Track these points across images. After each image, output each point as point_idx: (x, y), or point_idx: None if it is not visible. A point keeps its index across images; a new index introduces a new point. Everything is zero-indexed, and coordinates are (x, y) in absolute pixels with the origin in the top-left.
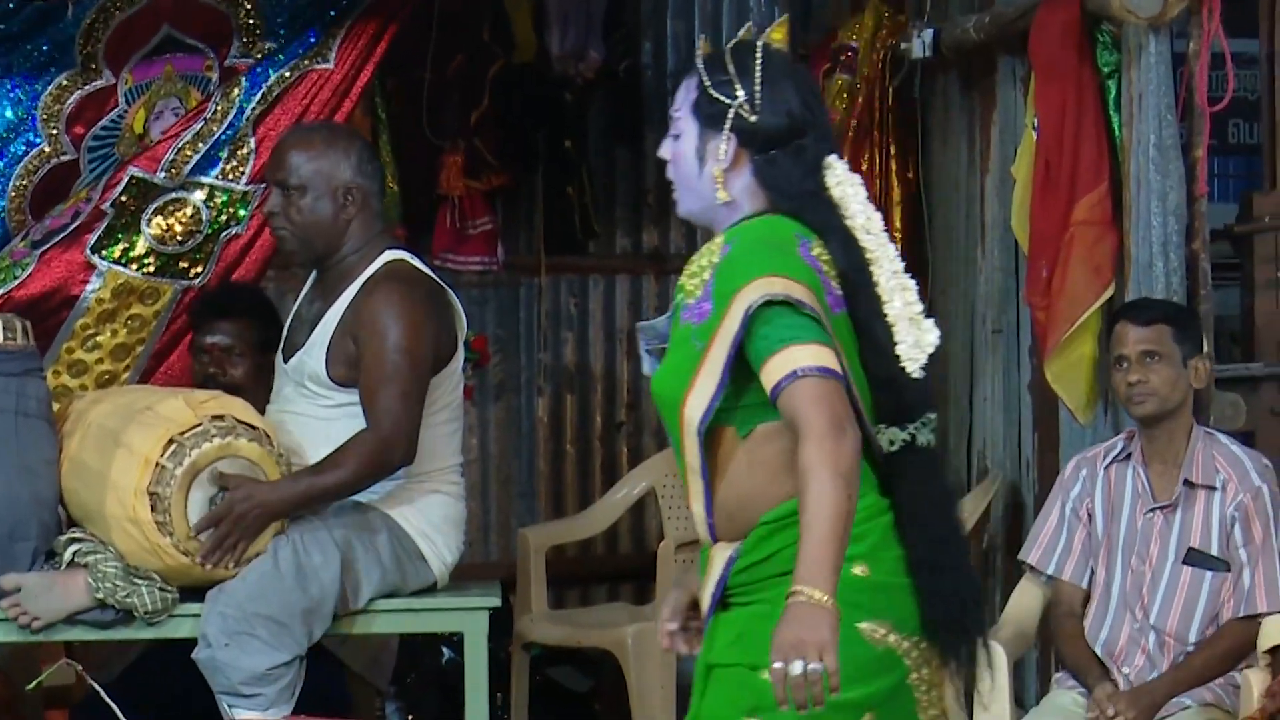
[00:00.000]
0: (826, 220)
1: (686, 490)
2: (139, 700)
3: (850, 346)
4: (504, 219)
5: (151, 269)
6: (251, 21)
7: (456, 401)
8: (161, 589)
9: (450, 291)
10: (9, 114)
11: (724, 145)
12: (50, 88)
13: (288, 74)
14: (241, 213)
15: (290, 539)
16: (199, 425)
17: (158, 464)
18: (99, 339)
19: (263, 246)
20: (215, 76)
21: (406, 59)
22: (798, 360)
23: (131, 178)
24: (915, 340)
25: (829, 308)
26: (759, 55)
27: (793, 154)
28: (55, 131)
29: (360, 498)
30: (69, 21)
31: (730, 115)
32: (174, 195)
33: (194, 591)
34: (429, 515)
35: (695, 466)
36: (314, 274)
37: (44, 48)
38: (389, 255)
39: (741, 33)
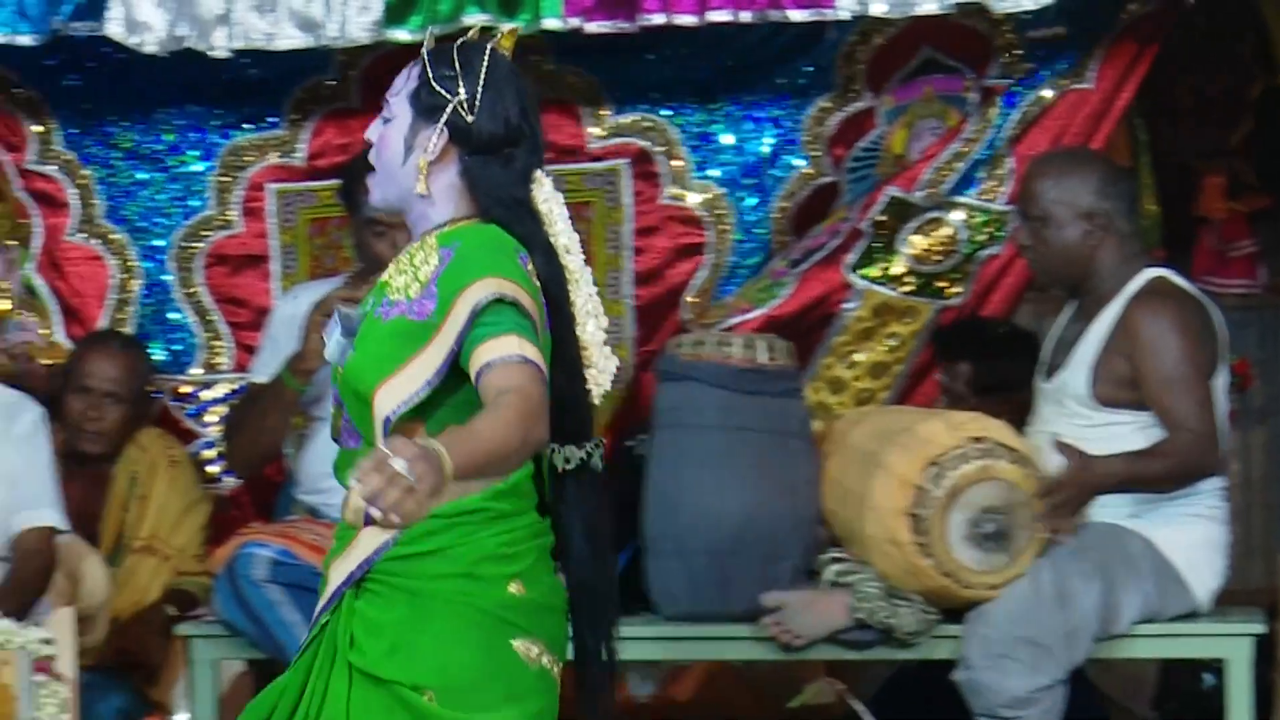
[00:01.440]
0: (534, 233)
1: (342, 474)
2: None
3: (547, 363)
4: (1265, 241)
5: (910, 288)
6: (1011, 41)
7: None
8: (923, 610)
9: (1215, 310)
10: (770, 137)
11: (434, 138)
12: (811, 110)
13: (1046, 94)
14: (1000, 233)
15: (1050, 561)
16: (958, 447)
17: (917, 486)
18: (857, 357)
19: (1019, 270)
20: (973, 97)
21: (1163, 78)
22: (524, 350)
23: (890, 198)
24: (603, 365)
25: (543, 324)
26: (485, 58)
27: (503, 161)
28: (818, 153)
29: (1120, 521)
30: (828, 45)
31: (447, 110)
32: (932, 215)
33: (952, 613)
34: (1190, 539)
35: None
36: (1073, 298)
37: (805, 71)
38: (1150, 273)
39: (471, 33)
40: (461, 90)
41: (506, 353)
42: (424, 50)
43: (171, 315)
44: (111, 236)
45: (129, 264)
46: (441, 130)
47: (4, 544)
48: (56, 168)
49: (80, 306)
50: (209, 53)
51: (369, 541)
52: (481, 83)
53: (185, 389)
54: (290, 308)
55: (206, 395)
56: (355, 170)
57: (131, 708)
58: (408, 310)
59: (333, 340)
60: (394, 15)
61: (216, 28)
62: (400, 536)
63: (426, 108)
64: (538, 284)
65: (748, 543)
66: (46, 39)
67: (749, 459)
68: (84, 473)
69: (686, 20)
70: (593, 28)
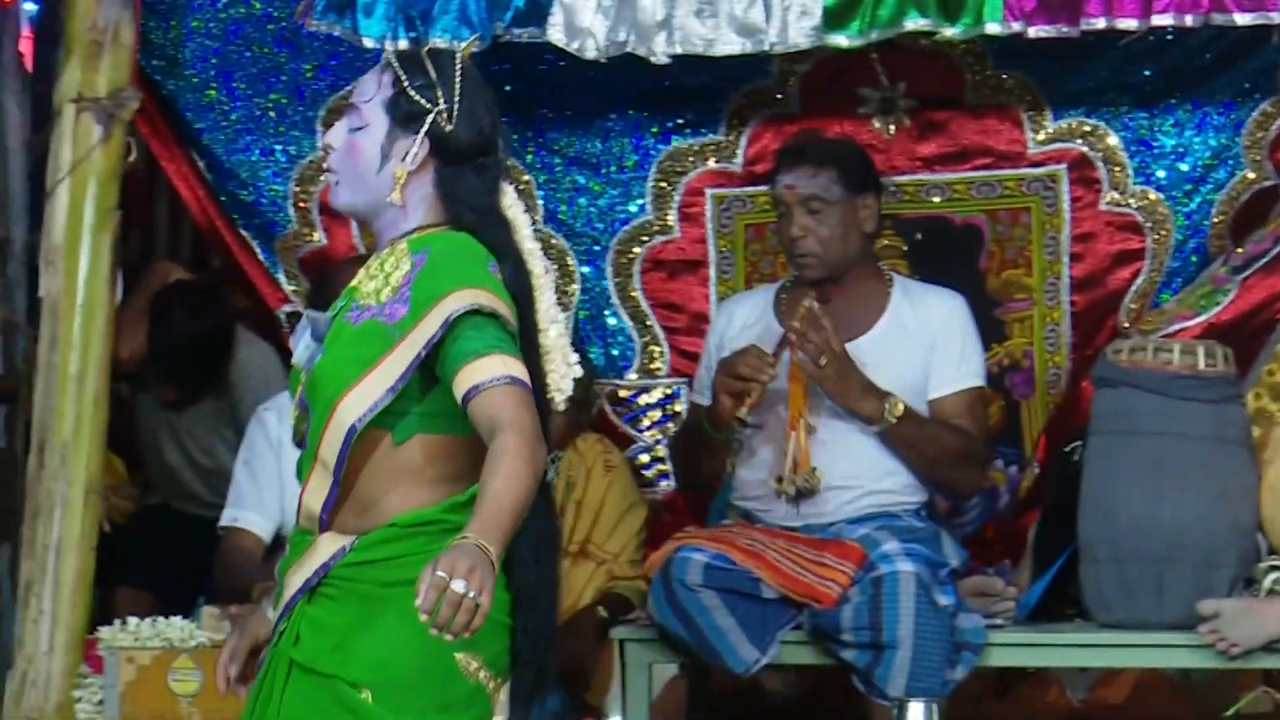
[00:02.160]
0: (505, 241)
1: (303, 479)
2: None
3: None
4: None
5: None
6: None
7: None
8: None
9: None
10: (1211, 142)
11: (415, 149)
12: (1254, 115)
13: None
14: None
15: None
16: None
17: None
18: None
19: None
20: None
21: None
22: (509, 368)
23: None
24: (564, 373)
25: (516, 331)
26: (458, 66)
27: (476, 170)
28: (1259, 158)
29: None
30: (1272, 48)
31: (429, 120)
32: None
33: None
34: None
35: (330, 460)
36: None
37: (1247, 74)
38: None
39: (436, 41)
40: (440, 99)
41: (493, 375)
42: (391, 58)
43: (609, 320)
44: (551, 242)
45: (568, 269)
46: (424, 141)
47: None
48: None
49: None
50: (649, 58)
51: (325, 549)
52: (458, 91)
53: (623, 393)
54: (721, 322)
55: (643, 400)
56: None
57: (565, 711)
58: (378, 314)
59: (300, 344)
60: (833, 20)
61: (657, 33)
62: (356, 543)
63: (405, 116)
64: (509, 292)
65: (1184, 550)
66: (488, 45)
67: (1186, 466)
68: None
69: (1129, 24)
70: (1034, 32)
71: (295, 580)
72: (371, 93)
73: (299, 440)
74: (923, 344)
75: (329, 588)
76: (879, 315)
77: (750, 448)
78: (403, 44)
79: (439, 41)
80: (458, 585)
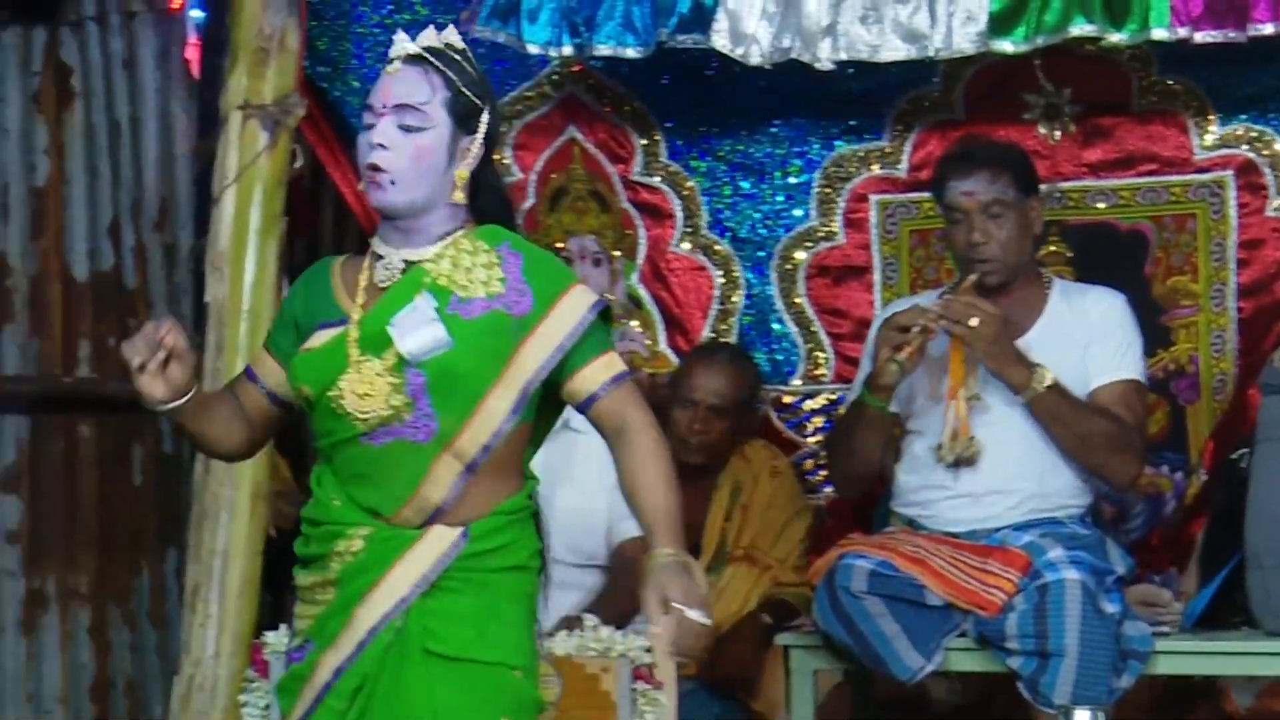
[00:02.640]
0: (518, 230)
1: (410, 473)
2: None
3: None
4: None
5: None
6: None
7: None
8: None
9: None
10: None
11: (474, 149)
12: None
13: None
14: None
15: None
16: None
17: None
18: None
19: None
20: None
21: None
22: (618, 365)
23: None
24: None
25: None
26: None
27: (492, 164)
28: None
29: None
30: None
31: (485, 120)
32: None
33: None
34: None
35: (470, 453)
36: None
37: None
38: None
39: (447, 33)
40: (488, 99)
41: (615, 373)
42: (429, 56)
43: (773, 326)
44: (715, 247)
45: (732, 275)
46: (481, 141)
47: (606, 554)
48: (661, 179)
49: (684, 317)
50: (813, 64)
51: (439, 542)
52: (491, 90)
53: (787, 399)
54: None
55: (808, 406)
56: (943, 162)
57: (731, 717)
58: (501, 306)
59: (425, 333)
60: (999, 26)
61: (821, 39)
62: (470, 534)
63: (464, 116)
64: None
65: None
66: (652, 51)
67: None
68: (688, 482)
69: None
70: (1201, 37)
71: (404, 576)
72: (428, 93)
73: (367, 429)
74: (1080, 342)
75: (449, 580)
76: (1037, 316)
77: (911, 451)
78: (567, 50)
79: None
80: (695, 615)
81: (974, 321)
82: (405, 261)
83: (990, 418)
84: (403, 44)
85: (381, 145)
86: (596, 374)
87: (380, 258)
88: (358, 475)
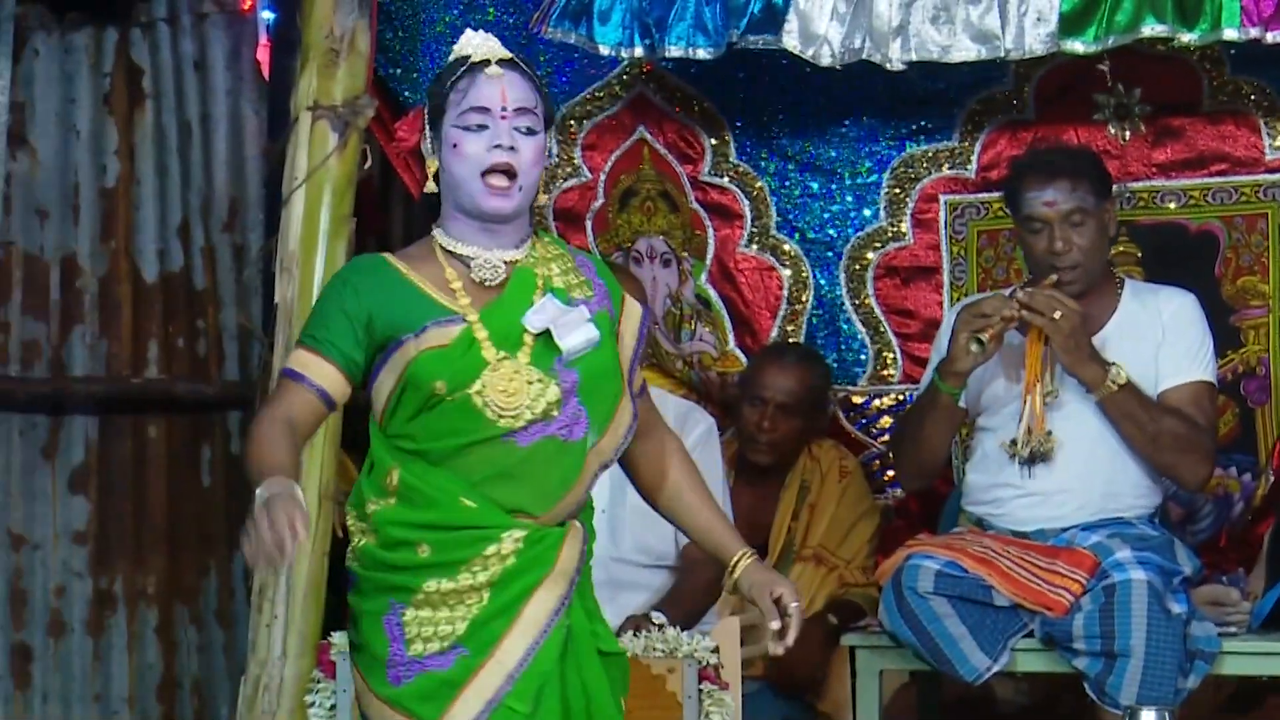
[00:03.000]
0: None
1: (564, 471)
2: None
3: None
4: None
5: None
6: None
7: None
8: None
9: None
10: None
11: (553, 148)
12: None
13: None
14: None
15: None
16: None
17: None
18: None
19: None
20: None
21: None
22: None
23: None
24: None
25: None
26: None
27: None
28: None
29: None
30: None
31: (555, 120)
32: None
33: None
34: None
35: (610, 452)
36: None
37: None
38: None
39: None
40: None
41: (642, 378)
42: (519, 60)
43: (842, 326)
44: (784, 248)
45: (801, 275)
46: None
47: (675, 554)
48: (730, 179)
49: (752, 317)
50: (884, 65)
51: (576, 542)
52: None
53: (856, 399)
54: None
55: (876, 406)
56: (1018, 171)
57: (796, 717)
58: (603, 308)
59: (582, 331)
60: (1070, 26)
61: (892, 40)
62: (586, 530)
63: (547, 120)
64: None
65: None
66: (723, 52)
67: None
68: (756, 481)
69: None
70: (1272, 38)
71: (563, 574)
72: (535, 97)
73: (511, 427)
74: (1152, 341)
75: (582, 575)
76: (1110, 315)
77: (981, 449)
78: (638, 51)
79: (674, 49)
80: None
81: (1057, 314)
82: (504, 262)
83: (1062, 414)
84: (489, 46)
85: (512, 148)
86: (638, 377)
87: (459, 257)
88: (499, 475)
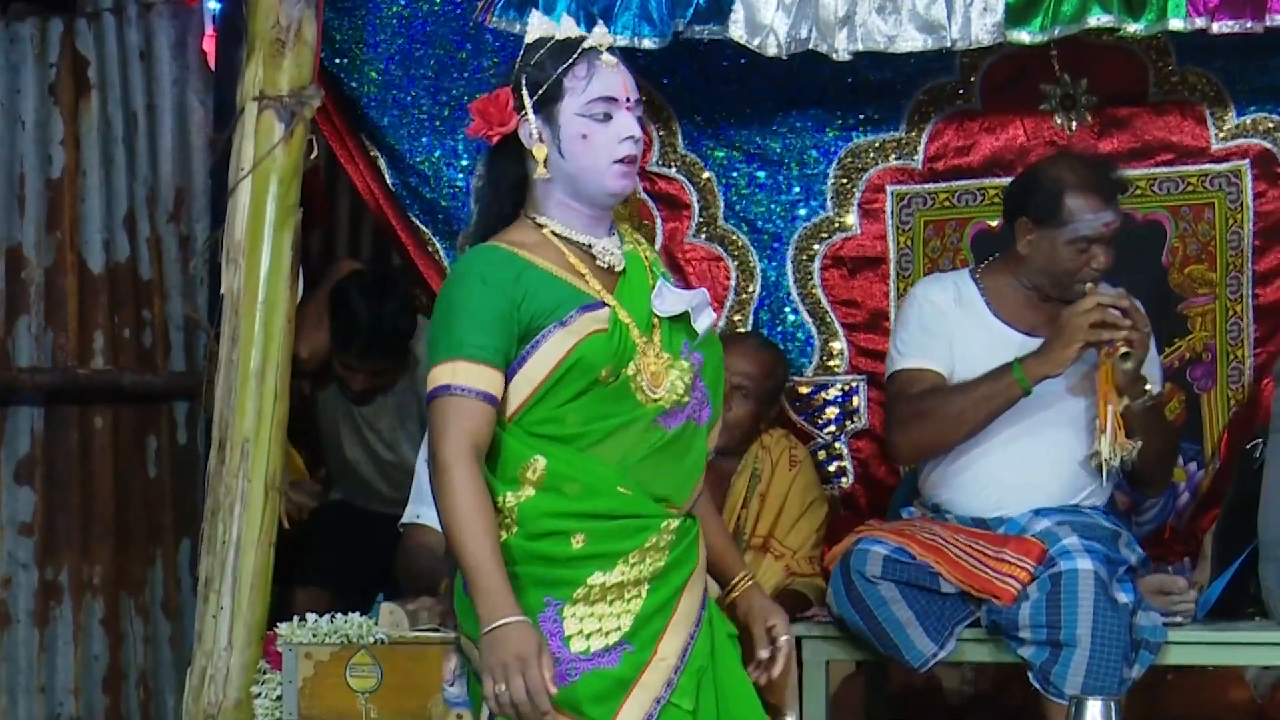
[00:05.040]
0: None
1: (697, 456)
2: None
3: None
4: None
5: None
6: None
7: None
8: None
9: None
10: None
11: None
12: None
13: None
14: None
15: None
16: None
17: None
18: None
19: None
20: None
21: None
22: None
23: None
24: None
25: None
26: None
27: None
28: None
29: None
30: None
31: None
32: None
33: None
34: None
35: (715, 438)
36: None
37: None
38: None
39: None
40: None
41: None
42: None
43: (789, 316)
44: (731, 238)
45: (748, 265)
46: None
47: None
48: (677, 170)
49: None
50: (830, 55)
51: (704, 537)
52: None
53: (803, 389)
54: (934, 293)
55: (822, 396)
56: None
57: None
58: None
59: (708, 313)
60: (1016, 16)
61: (839, 30)
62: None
63: None
64: None
65: None
66: (669, 42)
67: None
68: (707, 469)
69: None
70: (1218, 28)
71: (702, 564)
72: (635, 92)
73: (651, 412)
74: None
75: None
76: None
77: None
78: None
79: (620, 39)
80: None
81: (1147, 329)
82: (618, 247)
83: (1031, 402)
84: (599, 32)
85: (637, 139)
86: None
87: (577, 244)
88: (650, 460)
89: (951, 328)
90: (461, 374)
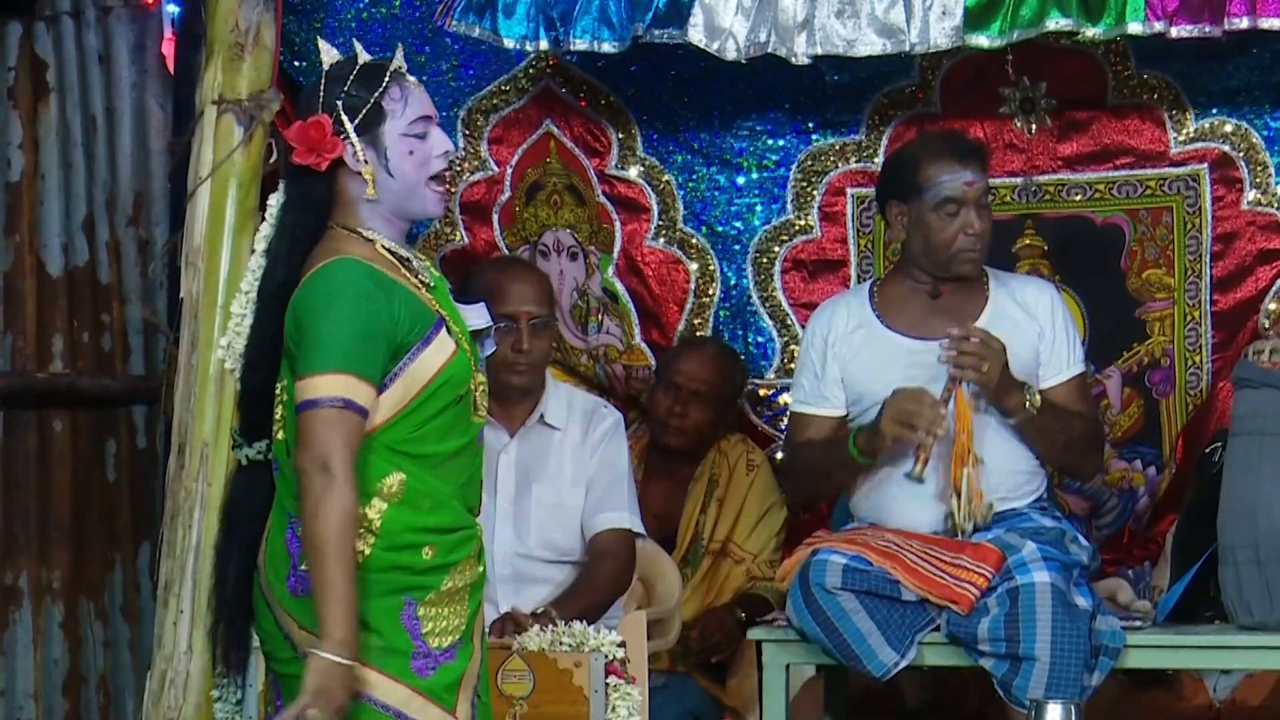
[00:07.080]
0: None
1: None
2: None
3: None
4: None
5: None
6: None
7: None
8: None
9: None
10: None
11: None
12: None
13: None
14: None
15: None
16: None
17: None
18: None
19: None
20: None
21: None
22: None
23: None
24: None
25: None
26: None
27: None
28: None
29: None
30: None
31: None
32: None
33: None
34: None
35: None
36: None
37: None
38: None
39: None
40: None
41: None
42: None
43: (749, 319)
44: (691, 241)
45: (708, 268)
46: None
47: (580, 549)
48: (637, 173)
49: (659, 310)
50: (789, 59)
51: None
52: None
53: (763, 392)
54: (822, 328)
55: (783, 400)
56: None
57: (702, 711)
58: None
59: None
60: (975, 21)
61: (797, 34)
62: None
63: None
64: None
65: None
66: (628, 46)
67: None
68: (665, 475)
69: (1272, 24)
70: (1176, 32)
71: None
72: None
73: None
74: (1031, 333)
75: None
76: (982, 306)
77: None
78: (543, 45)
79: (579, 43)
80: None
81: (985, 367)
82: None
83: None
84: (401, 59)
85: (450, 152)
86: None
87: (402, 257)
88: (472, 474)
89: (840, 355)
90: (354, 390)
